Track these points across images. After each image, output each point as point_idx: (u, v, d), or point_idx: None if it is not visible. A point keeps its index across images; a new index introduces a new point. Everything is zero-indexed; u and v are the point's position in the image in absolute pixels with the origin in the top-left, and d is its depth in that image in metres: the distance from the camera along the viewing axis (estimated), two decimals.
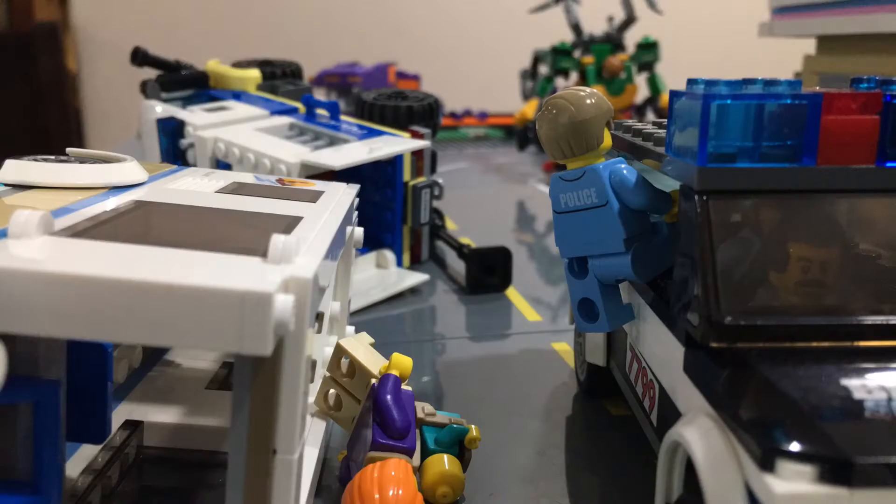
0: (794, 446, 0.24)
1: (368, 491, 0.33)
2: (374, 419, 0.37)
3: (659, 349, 0.36)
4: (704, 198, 0.31)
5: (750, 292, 0.31)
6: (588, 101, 0.37)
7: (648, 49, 1.39)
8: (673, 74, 1.35)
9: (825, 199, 0.32)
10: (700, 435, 0.27)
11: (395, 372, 0.39)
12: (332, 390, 0.41)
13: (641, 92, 1.43)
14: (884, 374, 0.27)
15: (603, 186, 0.36)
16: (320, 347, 0.45)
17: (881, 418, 0.25)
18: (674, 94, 0.34)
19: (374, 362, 0.40)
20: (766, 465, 0.24)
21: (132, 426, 0.38)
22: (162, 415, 0.40)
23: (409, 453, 0.36)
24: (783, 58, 1.28)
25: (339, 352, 0.40)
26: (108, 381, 0.32)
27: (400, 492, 0.33)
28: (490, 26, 1.64)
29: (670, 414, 0.33)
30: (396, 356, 0.39)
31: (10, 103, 2.14)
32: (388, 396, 0.37)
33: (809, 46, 1.03)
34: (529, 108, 1.48)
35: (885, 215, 0.32)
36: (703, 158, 0.31)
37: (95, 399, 0.32)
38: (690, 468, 0.28)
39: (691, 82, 0.33)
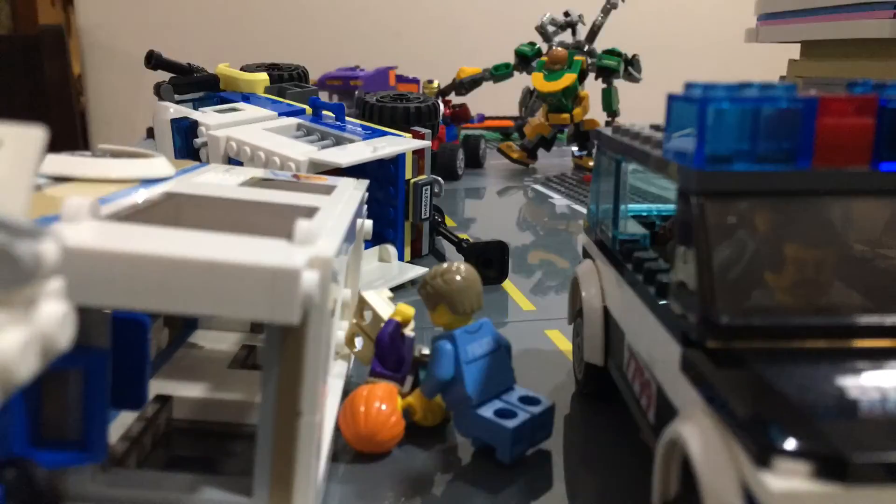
0: (791, 444, 0.24)
1: (356, 405, 0.41)
2: (374, 354, 0.45)
3: (656, 349, 0.36)
4: (702, 200, 0.31)
5: (746, 293, 0.31)
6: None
7: (611, 56, 1.39)
8: (663, 79, 1.38)
9: (821, 200, 0.32)
10: (697, 433, 0.28)
11: (397, 318, 0.45)
12: (357, 336, 0.48)
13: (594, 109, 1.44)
14: (878, 373, 0.28)
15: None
16: (333, 331, 0.48)
17: (877, 417, 0.25)
18: (671, 98, 0.34)
19: (388, 311, 0.47)
20: (763, 462, 0.24)
21: (162, 400, 0.42)
22: (189, 390, 0.43)
23: (401, 382, 0.44)
24: (769, 63, 1.31)
25: (362, 302, 0.47)
26: (147, 352, 0.35)
27: (383, 407, 0.41)
28: (487, 32, 1.69)
29: (667, 412, 0.34)
30: (401, 306, 0.46)
31: (15, 106, 2.17)
32: (387, 336, 0.45)
33: (794, 52, 1.07)
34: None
35: (879, 217, 0.33)
36: (700, 161, 0.31)
37: (135, 368, 0.35)
38: (687, 466, 0.29)
39: (689, 86, 0.33)
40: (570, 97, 1.35)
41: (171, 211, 0.37)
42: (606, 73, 1.40)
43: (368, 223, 0.49)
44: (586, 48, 1.39)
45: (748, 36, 1.12)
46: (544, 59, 1.36)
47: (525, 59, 1.44)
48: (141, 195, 0.39)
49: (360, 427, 0.40)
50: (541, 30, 1.41)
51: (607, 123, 1.42)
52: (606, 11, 1.40)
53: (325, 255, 0.30)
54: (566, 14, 1.41)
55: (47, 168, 0.42)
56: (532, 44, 1.45)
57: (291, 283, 0.28)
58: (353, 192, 0.47)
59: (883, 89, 0.33)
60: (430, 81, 1.61)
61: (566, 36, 1.45)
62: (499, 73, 1.48)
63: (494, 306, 0.70)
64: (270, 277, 0.28)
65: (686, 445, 0.28)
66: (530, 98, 1.51)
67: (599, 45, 1.43)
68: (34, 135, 0.26)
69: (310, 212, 0.38)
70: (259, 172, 0.51)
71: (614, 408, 0.47)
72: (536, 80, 1.34)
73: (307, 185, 0.47)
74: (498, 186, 1.32)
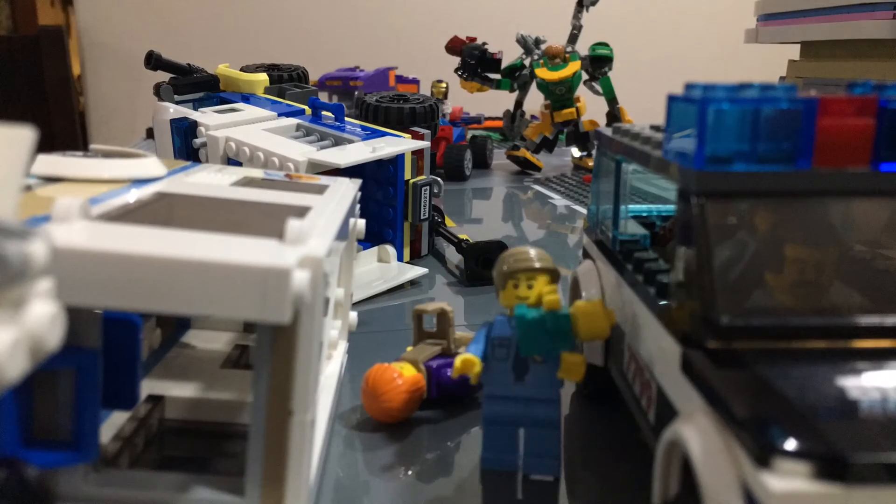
0: (791, 444, 0.24)
1: (373, 372, 0.46)
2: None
3: (656, 349, 0.36)
4: (702, 200, 0.31)
5: (746, 293, 0.31)
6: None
7: (600, 45, 1.40)
8: (663, 80, 1.38)
9: (821, 201, 0.32)
10: (697, 433, 0.28)
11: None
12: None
13: (592, 107, 1.44)
14: (879, 373, 0.28)
15: None
16: (325, 330, 0.48)
17: (877, 417, 0.25)
18: (671, 99, 0.34)
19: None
20: (763, 462, 0.24)
21: (155, 400, 0.42)
22: (182, 390, 0.43)
23: None
24: (768, 63, 1.31)
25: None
26: (139, 352, 0.35)
27: (397, 378, 0.45)
28: (486, 34, 1.70)
29: (667, 413, 0.34)
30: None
31: (15, 106, 2.17)
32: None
33: (794, 52, 1.07)
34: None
35: (879, 217, 0.33)
36: (700, 162, 0.31)
37: (126, 368, 0.35)
38: (687, 466, 0.29)
39: (689, 87, 0.34)
40: (577, 87, 1.36)
41: (162, 211, 0.37)
42: (601, 63, 1.41)
43: (361, 222, 0.49)
44: (570, 49, 1.40)
45: (748, 36, 1.12)
46: (539, 60, 1.37)
47: (513, 70, 1.45)
48: (132, 195, 0.39)
49: (367, 385, 0.45)
50: (522, 43, 1.43)
51: (608, 114, 1.42)
52: (580, 10, 1.41)
53: (316, 255, 0.30)
54: (522, 37, 1.43)
55: (38, 168, 0.42)
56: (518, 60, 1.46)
57: (282, 282, 0.28)
58: (345, 191, 0.47)
59: (883, 90, 0.33)
60: (440, 81, 1.61)
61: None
62: (502, 89, 1.50)
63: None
64: (261, 277, 0.28)
65: (686, 446, 0.28)
66: (512, 122, 1.51)
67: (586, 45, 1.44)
68: (23, 135, 0.25)
69: (301, 211, 0.38)
70: (251, 172, 0.51)
71: (614, 408, 0.47)
72: (543, 73, 1.35)
73: (299, 185, 0.47)
74: (503, 187, 1.32)
